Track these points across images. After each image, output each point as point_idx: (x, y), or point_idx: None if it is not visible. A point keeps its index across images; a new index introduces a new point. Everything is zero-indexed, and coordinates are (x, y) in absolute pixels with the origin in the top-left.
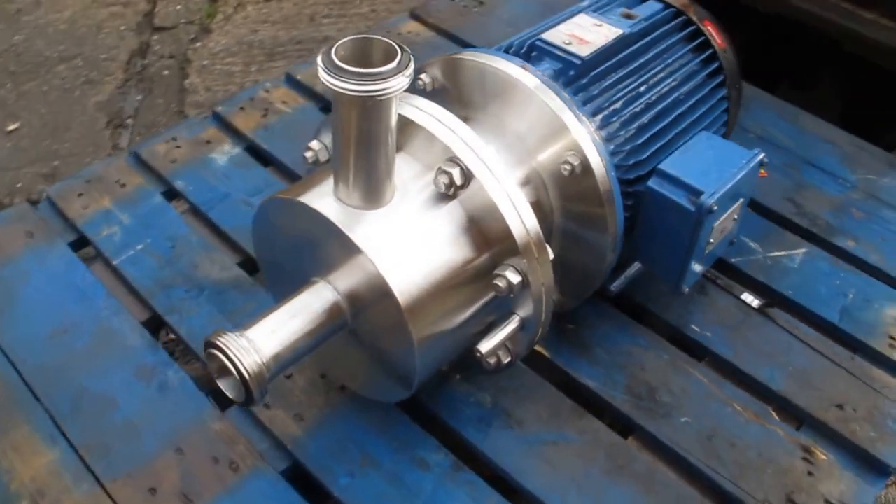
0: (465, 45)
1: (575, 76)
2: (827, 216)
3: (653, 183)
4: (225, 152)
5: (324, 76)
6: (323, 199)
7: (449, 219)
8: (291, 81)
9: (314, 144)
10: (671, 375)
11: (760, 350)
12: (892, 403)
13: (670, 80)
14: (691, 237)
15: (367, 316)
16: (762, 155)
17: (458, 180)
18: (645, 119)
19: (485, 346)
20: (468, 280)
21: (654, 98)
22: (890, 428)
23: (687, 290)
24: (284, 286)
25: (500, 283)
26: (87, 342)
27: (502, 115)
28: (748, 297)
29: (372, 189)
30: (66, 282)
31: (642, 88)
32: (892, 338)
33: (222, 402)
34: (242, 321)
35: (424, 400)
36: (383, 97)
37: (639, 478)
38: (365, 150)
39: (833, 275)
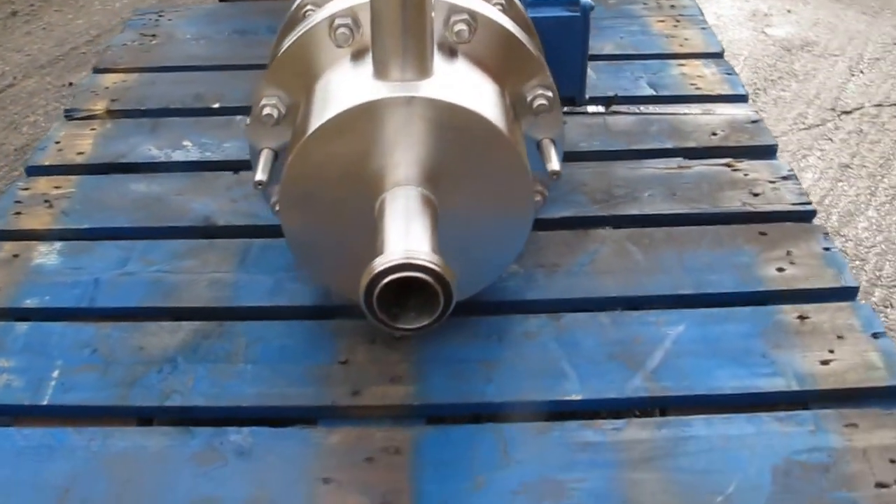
0: (174, 70)
1: None
2: None
3: (531, 13)
4: (45, 253)
5: None
6: (374, 91)
7: (474, 65)
8: (40, 169)
9: (266, 101)
10: (605, 176)
11: (634, 131)
12: (734, 114)
13: None
14: (583, 42)
15: (453, 191)
16: None
17: (474, 25)
18: None
19: (553, 165)
20: (514, 119)
21: None
22: (751, 128)
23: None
24: (334, 253)
25: (542, 101)
26: (107, 480)
27: None
28: (592, 108)
29: (424, 54)
30: (9, 452)
31: None
32: (691, 84)
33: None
34: (248, 357)
35: (470, 304)
36: None
37: (664, 244)
38: (417, 7)
39: (620, 70)
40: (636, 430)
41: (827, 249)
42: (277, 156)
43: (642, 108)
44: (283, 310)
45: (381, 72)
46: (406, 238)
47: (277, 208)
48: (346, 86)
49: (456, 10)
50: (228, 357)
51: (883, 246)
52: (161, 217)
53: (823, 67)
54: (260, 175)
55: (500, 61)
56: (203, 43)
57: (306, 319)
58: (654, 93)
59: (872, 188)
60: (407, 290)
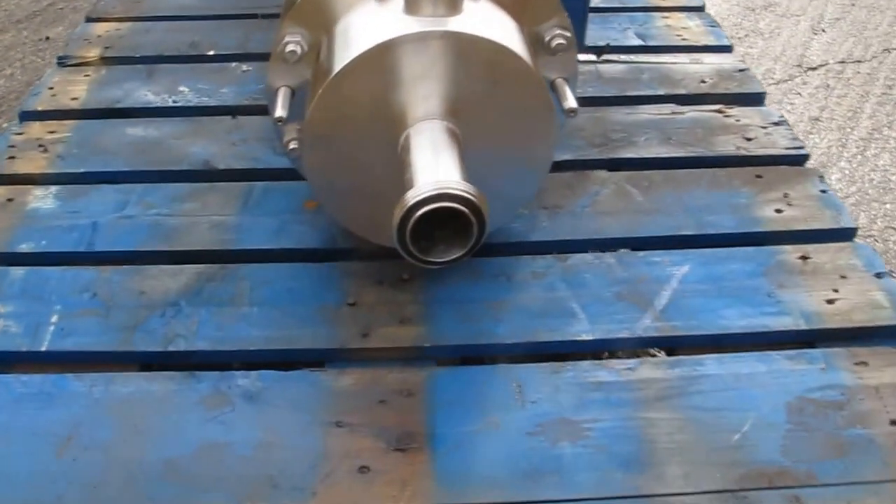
0: (168, 19)
1: None
2: None
3: None
4: (41, 197)
5: None
6: (409, 25)
7: (494, 4)
8: (33, 115)
9: (290, 37)
10: (601, 122)
11: (628, 78)
12: (721, 63)
13: None
14: None
15: (477, 126)
16: None
17: None
18: None
19: (569, 103)
20: (534, 57)
21: None
22: (738, 77)
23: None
24: (357, 192)
25: (560, 40)
26: (111, 427)
27: None
28: (583, 57)
29: None
30: (6, 399)
31: None
32: (677, 36)
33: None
34: (253, 300)
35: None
36: None
37: (663, 186)
38: None
39: (605, 21)
40: (649, 370)
41: (823, 192)
42: (294, 94)
43: (634, 56)
44: (288, 252)
45: (412, 7)
46: (436, 169)
47: (292, 146)
48: (376, 22)
49: None
50: (233, 300)
51: (857, 196)
52: (159, 161)
53: (787, 26)
54: (280, 111)
55: (518, 1)
56: None
57: (312, 262)
58: (644, 43)
59: (843, 140)
60: (434, 223)
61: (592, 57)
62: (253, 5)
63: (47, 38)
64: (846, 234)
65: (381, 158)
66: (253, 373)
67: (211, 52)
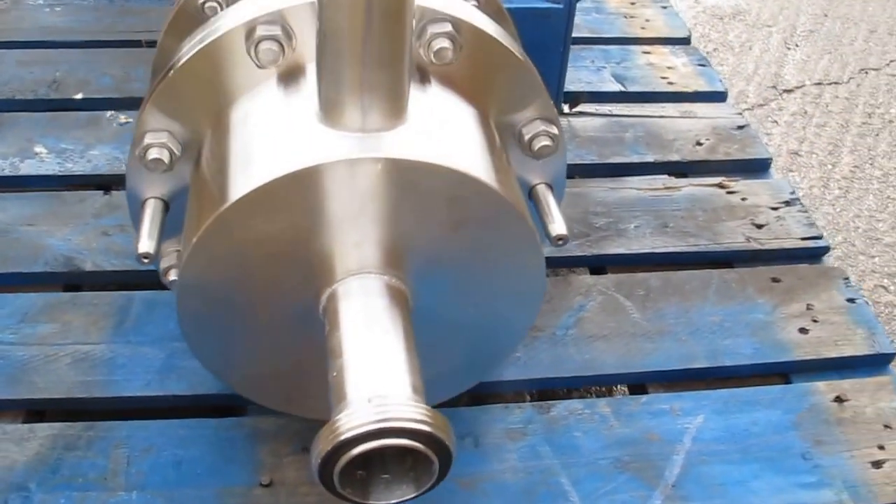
0: (22, 46)
1: None
2: None
3: (507, 3)
4: None
5: None
6: (326, 147)
7: (448, 89)
8: None
9: (153, 138)
10: (580, 199)
11: (609, 138)
12: (716, 117)
13: None
14: (565, 37)
15: (432, 276)
16: None
17: (459, 41)
18: None
19: (557, 227)
20: (508, 165)
21: None
22: (739, 136)
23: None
24: (255, 361)
25: (545, 141)
26: None
27: None
28: None
29: (398, 91)
30: None
31: None
32: (663, 78)
33: None
34: (131, 479)
35: None
36: None
37: (664, 296)
38: (391, 17)
39: (576, 58)
40: None
41: (851, 301)
42: (169, 207)
43: (612, 108)
44: (176, 401)
45: (332, 115)
46: (376, 372)
47: (172, 277)
48: (279, 130)
49: (432, 17)
50: (104, 479)
51: (843, 248)
52: (2, 259)
53: (758, 39)
54: (145, 244)
55: (483, 81)
56: (61, 10)
57: (211, 417)
58: (623, 88)
59: (825, 179)
60: (376, 455)
61: (564, 108)
62: (135, 27)
63: None
64: (882, 362)
65: (292, 320)
66: None
67: (79, 96)
